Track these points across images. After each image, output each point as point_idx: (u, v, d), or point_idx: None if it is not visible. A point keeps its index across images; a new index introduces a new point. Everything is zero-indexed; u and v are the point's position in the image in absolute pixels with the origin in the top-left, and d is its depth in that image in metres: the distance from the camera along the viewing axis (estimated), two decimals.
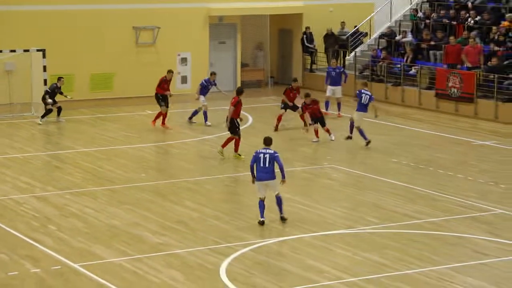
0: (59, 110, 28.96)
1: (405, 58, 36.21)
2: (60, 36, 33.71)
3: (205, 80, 30.29)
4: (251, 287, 14.16)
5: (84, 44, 34.39)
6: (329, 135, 27.51)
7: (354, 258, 15.95)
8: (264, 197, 17.68)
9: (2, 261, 15.43)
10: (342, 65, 38.65)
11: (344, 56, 39.40)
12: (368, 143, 25.79)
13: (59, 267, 15.13)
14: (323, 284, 14.37)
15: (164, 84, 29.63)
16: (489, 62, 32.37)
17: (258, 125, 30.60)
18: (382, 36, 39.14)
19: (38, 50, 31.37)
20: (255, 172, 17.81)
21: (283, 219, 17.88)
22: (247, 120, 31.20)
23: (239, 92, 24.77)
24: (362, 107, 26.44)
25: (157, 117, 28.69)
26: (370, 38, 40.09)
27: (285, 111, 29.41)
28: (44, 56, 31.30)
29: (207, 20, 37.74)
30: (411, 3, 39.80)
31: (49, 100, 28.28)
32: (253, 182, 18.00)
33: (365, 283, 14.47)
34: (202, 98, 29.82)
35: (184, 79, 37.71)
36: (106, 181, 21.98)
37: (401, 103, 34.53)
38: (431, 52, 35.52)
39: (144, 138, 27.74)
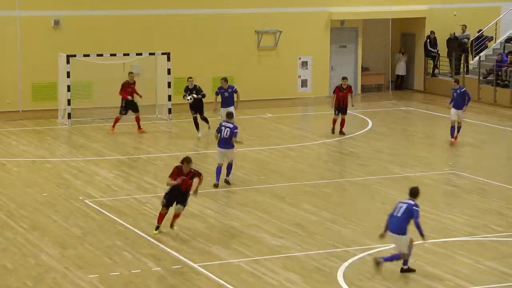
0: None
1: None
2: (184, 40, 34.15)
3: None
4: None
5: (206, 47, 34.75)
6: (342, 127, 28.27)
7: (476, 266, 15.57)
8: None
9: (125, 259, 15.79)
10: (465, 70, 38.14)
11: (467, 60, 38.61)
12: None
13: (180, 266, 15.36)
14: None
15: (127, 87, 28.95)
16: None
17: (378, 129, 30.40)
18: (508, 40, 38.14)
19: (163, 54, 31.94)
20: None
21: None
22: (367, 125, 31.13)
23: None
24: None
25: (114, 123, 28.49)
26: (495, 42, 39.19)
27: (339, 113, 28.55)
28: (168, 59, 31.82)
29: (328, 24, 37.58)
30: None
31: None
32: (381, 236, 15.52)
33: None
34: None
35: (304, 83, 37.74)
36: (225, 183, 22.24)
37: None
38: None
39: (263, 140, 27.91)
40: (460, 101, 26.88)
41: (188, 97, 27.11)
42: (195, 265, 15.34)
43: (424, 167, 24.51)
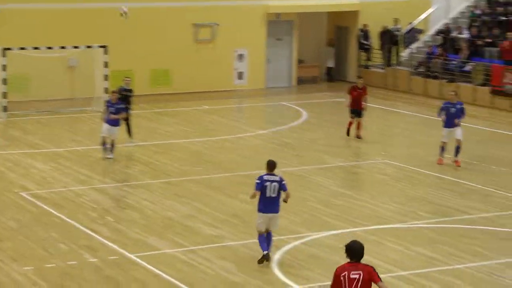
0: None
1: (460, 55, 35.92)
2: (122, 33, 33.95)
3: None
4: (303, 279, 14.14)
5: (144, 41, 34.56)
6: (358, 129, 26.53)
7: (405, 252, 15.83)
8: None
9: (61, 250, 15.65)
10: (397, 62, 38.62)
11: (398, 53, 39.18)
12: None
13: (116, 257, 15.29)
14: None
15: None
16: None
17: (312, 120, 30.56)
18: (438, 33, 38.84)
19: (100, 47, 31.67)
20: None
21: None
22: (302, 116, 31.33)
23: None
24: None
25: None
26: (426, 35, 39.81)
27: (355, 116, 26.62)
28: (105, 53, 31.61)
29: (264, 17, 37.78)
30: (468, 0, 39.43)
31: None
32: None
33: (416, 277, 14.36)
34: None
35: (240, 75, 37.86)
36: (162, 174, 22.13)
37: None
38: (486, 49, 35.06)
39: (200, 132, 27.86)
40: (455, 118, 22.88)
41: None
42: (131, 256, 15.27)
43: (357, 157, 24.83)
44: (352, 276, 8.96)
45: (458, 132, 22.76)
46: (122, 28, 33.90)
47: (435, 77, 35.72)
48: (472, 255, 15.66)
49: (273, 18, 38.06)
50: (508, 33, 33.36)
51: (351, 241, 9.32)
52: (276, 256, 15.29)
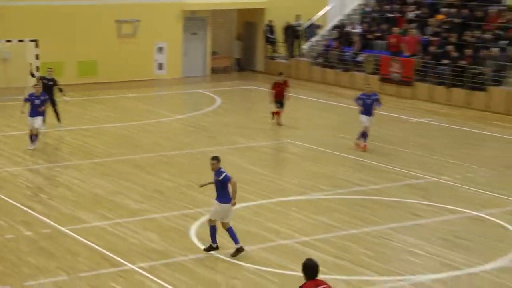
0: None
1: (353, 47, 36.22)
2: (51, 28, 33.13)
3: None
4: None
5: (72, 36, 33.73)
6: (278, 118, 26.07)
7: (307, 221, 16.04)
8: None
9: (0, 226, 15.36)
10: (299, 54, 38.63)
11: (300, 45, 39.15)
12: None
13: (49, 230, 15.05)
14: (279, 243, 14.49)
15: None
16: (427, 50, 32.48)
17: (225, 106, 30.50)
18: (334, 28, 38.89)
19: (31, 41, 30.87)
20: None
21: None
22: (216, 102, 31.31)
23: None
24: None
25: None
26: (323, 29, 39.80)
27: (279, 107, 26.01)
28: (36, 46, 30.89)
29: (181, 14, 37.29)
30: None
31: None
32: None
33: (317, 242, 14.58)
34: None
35: (160, 66, 37.29)
36: (90, 155, 21.74)
37: (351, 86, 34.48)
38: (376, 42, 35.37)
39: (124, 117, 27.40)
40: (371, 107, 22.51)
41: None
42: (63, 229, 15.06)
43: (265, 138, 24.90)
44: None
45: (363, 119, 22.48)
46: (52, 23, 33.17)
47: (332, 67, 35.90)
48: (365, 222, 15.98)
49: (189, 15, 37.63)
50: (394, 28, 33.82)
51: (306, 260, 8.55)
52: (194, 226, 15.35)
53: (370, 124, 22.67)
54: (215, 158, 13.65)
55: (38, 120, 21.97)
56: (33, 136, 21.92)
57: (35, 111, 22.09)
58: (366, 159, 21.77)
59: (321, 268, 8.56)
